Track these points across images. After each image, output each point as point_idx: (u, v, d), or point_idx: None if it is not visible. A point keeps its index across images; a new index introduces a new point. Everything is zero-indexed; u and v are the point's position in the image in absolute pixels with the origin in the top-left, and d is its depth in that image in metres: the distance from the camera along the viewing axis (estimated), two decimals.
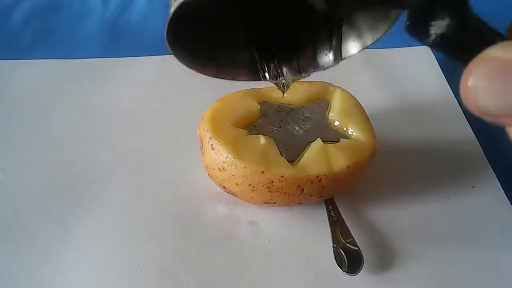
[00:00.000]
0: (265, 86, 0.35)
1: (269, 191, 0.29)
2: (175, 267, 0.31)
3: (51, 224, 0.33)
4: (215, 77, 0.26)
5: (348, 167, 0.30)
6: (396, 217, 0.33)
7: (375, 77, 0.46)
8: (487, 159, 0.38)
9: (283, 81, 0.27)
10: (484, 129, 0.41)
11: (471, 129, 0.40)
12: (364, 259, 0.29)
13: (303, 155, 0.30)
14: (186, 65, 0.24)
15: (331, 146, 0.31)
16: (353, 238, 0.31)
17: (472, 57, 0.14)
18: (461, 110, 0.42)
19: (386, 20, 0.22)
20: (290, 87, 0.35)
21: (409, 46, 0.50)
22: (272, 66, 0.27)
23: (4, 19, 0.55)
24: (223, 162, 0.29)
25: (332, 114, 0.33)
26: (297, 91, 0.34)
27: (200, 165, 0.33)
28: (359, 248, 0.30)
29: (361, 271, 0.29)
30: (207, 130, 0.31)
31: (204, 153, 0.31)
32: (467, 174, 0.37)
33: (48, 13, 0.56)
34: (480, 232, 0.33)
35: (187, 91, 0.45)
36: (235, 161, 0.29)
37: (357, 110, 0.34)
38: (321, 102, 0.35)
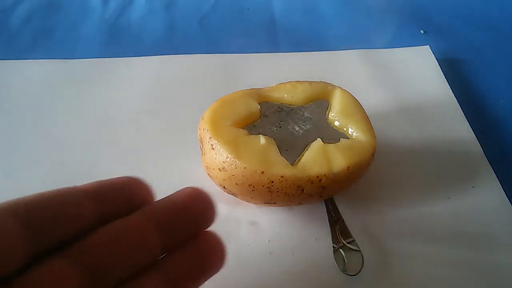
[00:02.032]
0: (265, 86, 0.35)
1: (269, 191, 0.29)
2: None
3: None
4: None
5: (348, 167, 0.30)
6: (396, 217, 0.33)
7: (375, 77, 0.46)
8: (487, 159, 0.38)
9: None
10: (484, 129, 0.41)
11: (471, 129, 0.40)
12: (364, 259, 0.29)
13: (303, 155, 0.30)
14: None
15: (331, 146, 0.31)
16: (353, 238, 0.31)
17: None
18: (461, 110, 0.42)
19: None
20: (290, 87, 0.35)
21: (409, 46, 0.50)
22: None
23: (4, 19, 0.55)
24: (223, 162, 0.29)
25: (332, 114, 0.33)
26: (297, 91, 0.34)
27: (200, 165, 0.33)
28: (359, 248, 0.30)
29: (361, 271, 0.29)
30: (207, 130, 0.31)
31: (204, 153, 0.31)
32: (467, 174, 0.37)
33: (48, 13, 0.56)
34: (480, 232, 0.33)
35: (187, 91, 0.45)
36: (235, 161, 0.29)
37: (357, 110, 0.34)
38: (321, 102, 0.34)
